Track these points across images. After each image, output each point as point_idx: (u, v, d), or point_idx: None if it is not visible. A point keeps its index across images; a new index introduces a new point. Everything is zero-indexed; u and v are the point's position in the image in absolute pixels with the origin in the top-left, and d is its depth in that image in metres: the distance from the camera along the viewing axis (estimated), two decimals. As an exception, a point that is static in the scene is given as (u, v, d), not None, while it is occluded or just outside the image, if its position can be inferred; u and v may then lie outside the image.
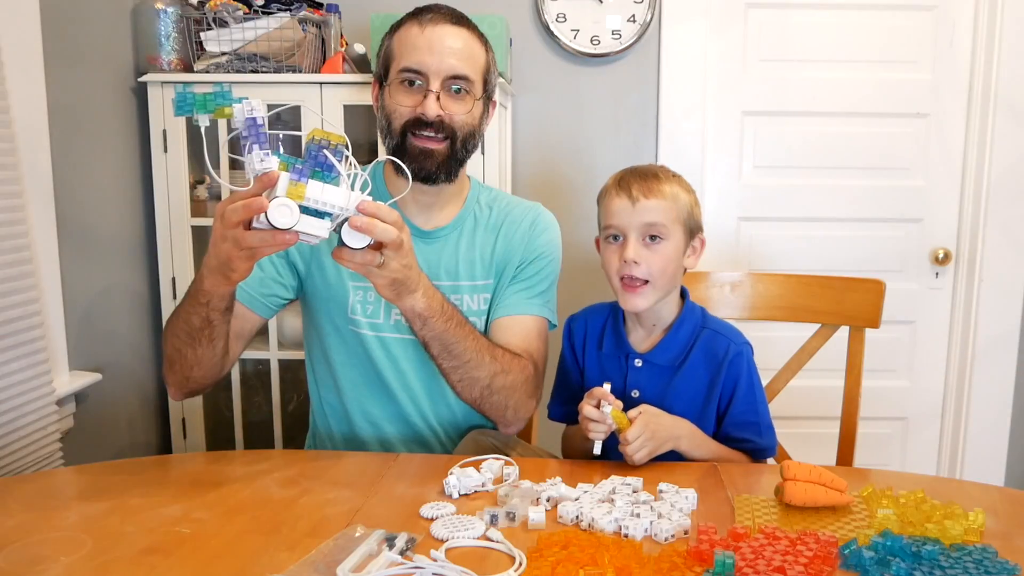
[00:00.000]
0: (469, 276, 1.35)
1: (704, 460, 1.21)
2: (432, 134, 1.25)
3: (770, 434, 1.27)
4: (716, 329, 1.28)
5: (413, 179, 1.23)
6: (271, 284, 1.32)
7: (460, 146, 1.29)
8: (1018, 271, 2.24)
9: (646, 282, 1.22)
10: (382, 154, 1.72)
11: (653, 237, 1.22)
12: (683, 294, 1.32)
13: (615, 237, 1.24)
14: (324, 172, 0.95)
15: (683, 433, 1.20)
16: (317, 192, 0.94)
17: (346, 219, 0.98)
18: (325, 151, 0.95)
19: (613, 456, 1.18)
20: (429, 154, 1.26)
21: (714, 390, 1.25)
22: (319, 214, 0.96)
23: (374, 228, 0.99)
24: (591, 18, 2.14)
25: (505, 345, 1.29)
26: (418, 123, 1.25)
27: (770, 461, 1.30)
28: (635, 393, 1.28)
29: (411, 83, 1.26)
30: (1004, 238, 2.22)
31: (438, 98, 1.24)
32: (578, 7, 2.14)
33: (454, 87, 1.26)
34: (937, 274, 2.32)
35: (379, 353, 1.32)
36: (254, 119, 0.93)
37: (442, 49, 1.24)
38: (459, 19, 1.29)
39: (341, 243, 1.00)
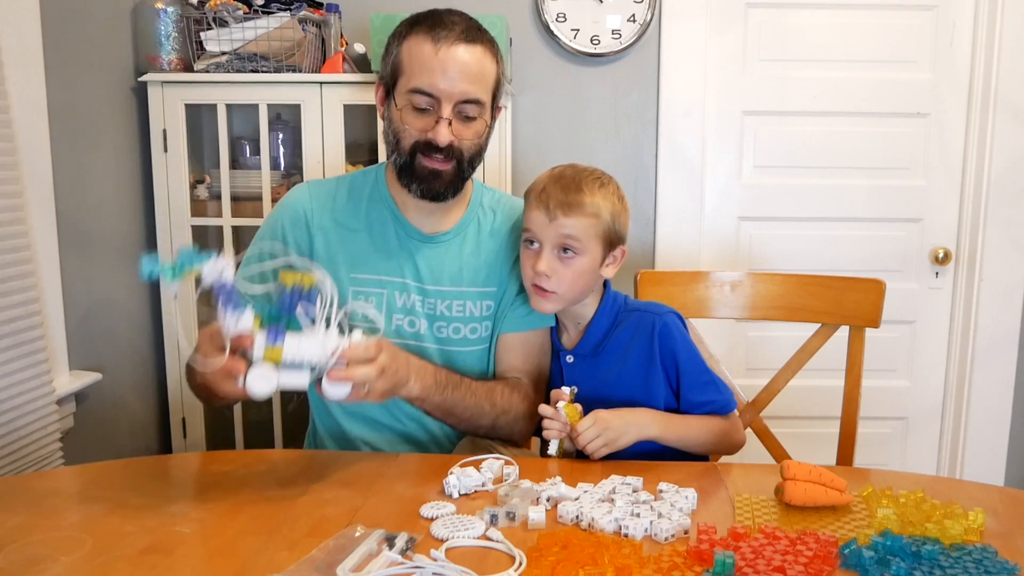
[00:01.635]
0: (472, 282, 1.34)
1: (686, 441, 1.23)
2: (441, 157, 1.25)
3: (724, 386, 1.29)
4: (637, 308, 1.30)
5: (421, 197, 1.27)
6: None
7: (467, 165, 1.28)
8: (1018, 271, 2.24)
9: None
10: (382, 154, 1.72)
11: (567, 250, 1.22)
12: (604, 285, 1.33)
13: (531, 242, 1.25)
14: (296, 319, 0.97)
15: (644, 420, 1.21)
16: (294, 350, 0.96)
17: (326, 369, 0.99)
18: (302, 304, 0.96)
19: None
20: (437, 175, 1.26)
21: (653, 366, 1.26)
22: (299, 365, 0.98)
23: (352, 376, 1.01)
24: (591, 18, 2.14)
25: (508, 367, 1.32)
26: (428, 146, 1.24)
27: (771, 462, 1.30)
28: (573, 389, 1.28)
29: (421, 105, 1.23)
30: (1004, 238, 2.22)
31: (450, 123, 1.23)
32: (578, 7, 2.14)
33: (465, 113, 1.24)
34: (937, 274, 2.32)
35: None
36: (223, 284, 0.93)
37: (455, 74, 1.21)
38: (473, 36, 1.25)
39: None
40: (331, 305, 0.98)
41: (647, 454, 1.21)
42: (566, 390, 1.20)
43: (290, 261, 1.15)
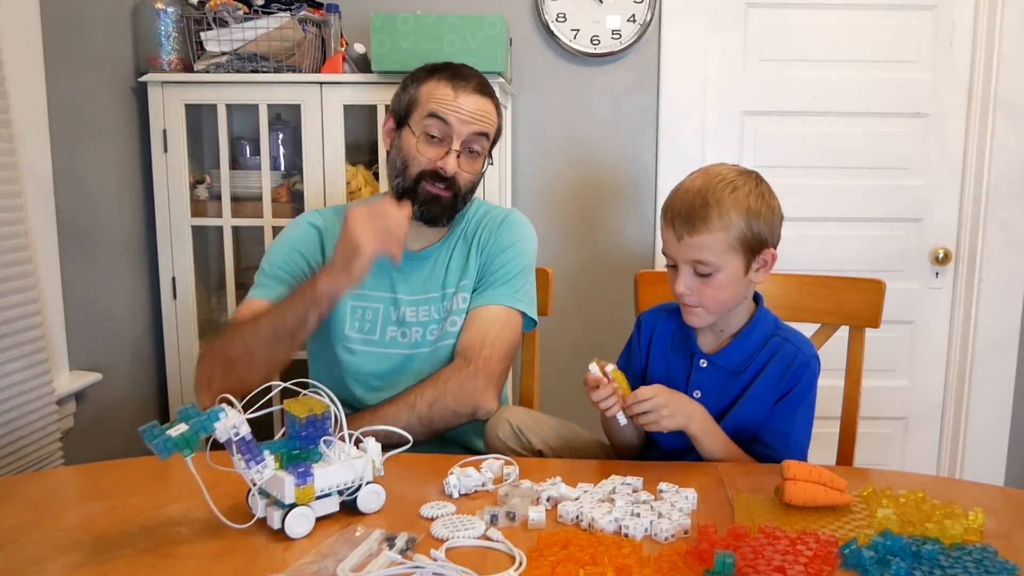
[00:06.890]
0: (456, 283, 1.43)
1: (712, 451, 1.21)
2: (443, 185, 1.36)
3: (794, 450, 1.22)
4: (786, 337, 1.25)
5: (419, 219, 1.37)
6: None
7: (462, 197, 1.40)
8: (1018, 271, 2.24)
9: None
10: (383, 155, 1.72)
11: (702, 271, 1.18)
12: (757, 299, 1.29)
13: (670, 262, 1.23)
14: (317, 448, 0.97)
15: (696, 415, 1.19)
16: (324, 482, 0.96)
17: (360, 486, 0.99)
18: (324, 439, 0.97)
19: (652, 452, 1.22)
20: (437, 200, 1.37)
21: (775, 397, 1.23)
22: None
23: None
24: (591, 18, 2.14)
25: (457, 343, 1.39)
26: (434, 174, 1.36)
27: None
28: (697, 393, 1.26)
29: (433, 136, 1.35)
30: (1004, 238, 2.22)
31: (458, 155, 1.36)
32: (578, 7, 2.14)
33: (471, 148, 1.38)
34: (937, 274, 2.32)
35: (374, 367, 1.41)
36: (241, 437, 0.92)
37: (469, 116, 1.36)
38: (486, 90, 1.40)
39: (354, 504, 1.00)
40: (343, 423, 0.99)
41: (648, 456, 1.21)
42: (597, 363, 1.15)
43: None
